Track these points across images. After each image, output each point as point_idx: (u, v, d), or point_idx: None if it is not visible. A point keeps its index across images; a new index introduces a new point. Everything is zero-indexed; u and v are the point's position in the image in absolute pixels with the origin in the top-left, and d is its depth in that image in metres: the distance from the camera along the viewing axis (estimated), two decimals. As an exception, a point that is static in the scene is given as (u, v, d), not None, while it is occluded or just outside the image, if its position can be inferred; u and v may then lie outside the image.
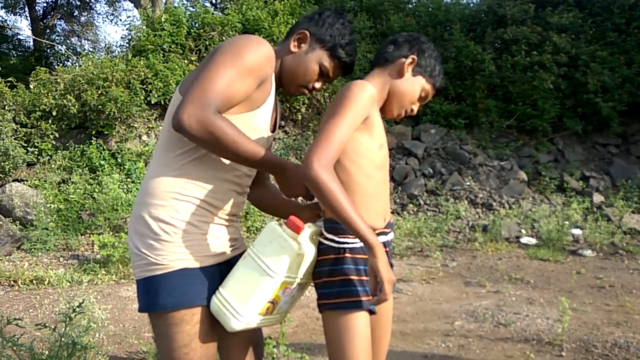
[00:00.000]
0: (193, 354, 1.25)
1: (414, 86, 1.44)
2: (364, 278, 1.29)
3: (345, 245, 1.28)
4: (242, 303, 1.21)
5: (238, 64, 1.19)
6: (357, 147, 1.30)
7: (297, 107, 8.25)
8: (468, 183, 7.42)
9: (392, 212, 6.94)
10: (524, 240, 6.15)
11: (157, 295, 1.23)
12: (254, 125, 1.30)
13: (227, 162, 1.28)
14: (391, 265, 1.44)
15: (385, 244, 1.38)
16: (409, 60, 1.41)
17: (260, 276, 1.21)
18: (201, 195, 1.26)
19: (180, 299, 1.22)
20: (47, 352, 2.27)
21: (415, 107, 1.50)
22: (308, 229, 1.27)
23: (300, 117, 8.40)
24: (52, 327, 2.14)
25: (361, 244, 1.29)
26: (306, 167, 1.17)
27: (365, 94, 1.25)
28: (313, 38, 1.39)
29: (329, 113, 1.25)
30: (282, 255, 1.20)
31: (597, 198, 7.39)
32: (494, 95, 8.82)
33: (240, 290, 1.22)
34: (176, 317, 1.23)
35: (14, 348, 2.02)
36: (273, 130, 1.44)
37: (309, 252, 1.25)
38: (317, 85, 1.44)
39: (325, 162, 1.17)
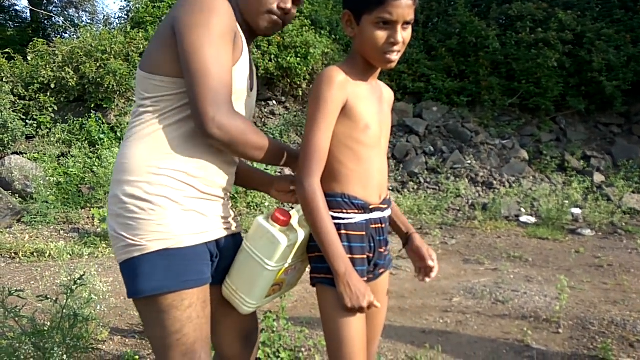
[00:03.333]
0: (186, 339, 1.18)
1: None
2: (358, 256, 1.28)
3: (340, 222, 1.27)
4: (247, 293, 1.28)
5: (213, 36, 1.12)
6: (341, 133, 1.27)
7: (298, 82, 8.17)
8: (469, 161, 7.40)
9: (392, 190, 6.93)
10: (523, 219, 6.17)
11: (136, 279, 1.15)
12: (234, 87, 1.20)
13: None
14: (386, 243, 1.43)
15: (381, 220, 1.37)
16: None
17: (258, 269, 1.25)
18: (181, 168, 1.17)
19: (162, 283, 1.14)
20: (49, 324, 2.29)
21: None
22: (297, 215, 1.29)
23: (301, 93, 8.32)
24: (54, 298, 2.15)
25: (357, 220, 1.29)
26: (299, 184, 1.23)
27: (334, 88, 1.22)
28: None
29: (308, 115, 1.26)
30: (272, 249, 1.23)
31: (598, 178, 7.38)
32: (498, 72, 8.73)
33: (243, 281, 1.28)
34: (164, 303, 1.15)
35: (16, 319, 2.03)
36: (251, 90, 1.36)
37: (300, 237, 1.28)
38: (286, 5, 1.27)
39: (315, 177, 1.22)
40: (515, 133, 8.35)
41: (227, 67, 1.15)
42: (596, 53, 8.26)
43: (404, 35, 1.23)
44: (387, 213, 1.41)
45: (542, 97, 8.36)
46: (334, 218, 1.25)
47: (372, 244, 1.34)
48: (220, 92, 1.11)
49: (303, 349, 2.53)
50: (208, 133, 1.11)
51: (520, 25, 8.75)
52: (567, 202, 6.26)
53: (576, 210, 6.27)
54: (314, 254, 1.31)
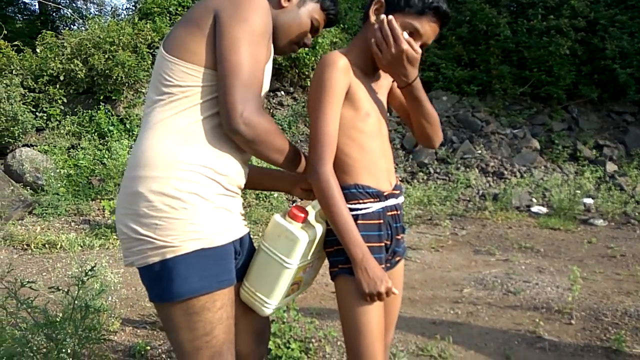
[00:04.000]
0: (215, 341, 1.14)
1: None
2: (375, 244, 1.27)
3: (357, 212, 1.26)
4: (267, 294, 1.26)
5: (253, 33, 1.11)
6: (344, 122, 1.26)
7: (306, 72, 8.13)
8: (479, 151, 7.33)
9: (402, 181, 6.89)
10: (534, 209, 6.11)
11: (171, 282, 1.09)
12: (264, 84, 1.23)
13: None
14: (403, 229, 1.42)
15: (396, 207, 1.37)
16: None
17: (277, 268, 1.23)
18: (208, 163, 1.13)
19: (199, 284, 1.10)
20: (61, 315, 2.30)
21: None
22: (312, 211, 1.28)
23: (309, 83, 8.26)
24: (65, 290, 2.16)
25: (373, 209, 1.27)
26: (311, 172, 1.22)
27: (338, 73, 1.20)
28: None
29: (312, 102, 1.24)
30: (292, 246, 1.21)
31: (611, 167, 7.28)
32: (509, 61, 8.60)
33: (262, 282, 1.26)
34: (196, 305, 1.10)
35: (29, 310, 2.05)
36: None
37: (319, 233, 1.27)
38: (308, 41, 1.36)
39: (327, 164, 1.21)
40: (526, 122, 8.25)
41: (262, 65, 1.14)
42: (609, 40, 8.11)
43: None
44: (400, 199, 1.40)
45: (553, 85, 8.23)
46: (350, 210, 1.24)
47: (390, 232, 1.33)
48: (252, 88, 1.10)
49: (313, 340, 2.53)
50: (234, 128, 1.08)
51: (532, 12, 8.60)
52: (579, 192, 6.19)
53: (588, 200, 6.20)
54: (332, 248, 1.30)
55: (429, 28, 1.23)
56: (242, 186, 1.29)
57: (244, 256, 1.30)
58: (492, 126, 7.92)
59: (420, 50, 1.23)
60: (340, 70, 1.21)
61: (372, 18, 1.27)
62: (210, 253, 1.12)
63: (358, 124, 1.27)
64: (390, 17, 1.20)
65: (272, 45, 1.27)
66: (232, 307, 1.19)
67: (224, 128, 1.11)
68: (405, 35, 1.21)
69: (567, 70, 8.18)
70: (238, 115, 1.07)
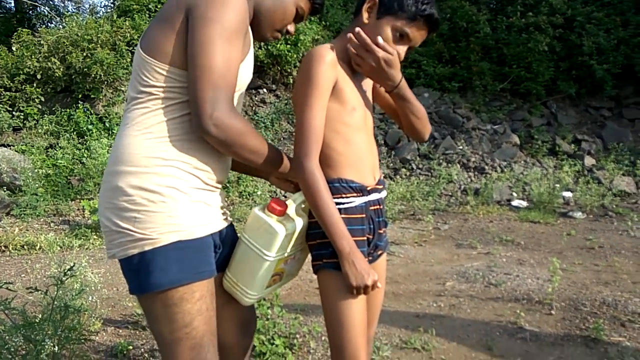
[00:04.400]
0: (195, 333, 1.15)
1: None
2: (358, 238, 1.27)
3: (340, 206, 1.26)
4: (248, 284, 1.28)
5: (226, 32, 1.09)
6: (330, 116, 1.26)
7: (289, 70, 8.11)
8: (461, 147, 7.41)
9: (385, 177, 6.93)
10: (515, 203, 6.20)
11: (149, 274, 1.10)
12: (239, 82, 1.21)
13: None
14: (385, 224, 1.42)
15: (379, 201, 1.37)
16: None
17: (256, 260, 1.24)
18: (186, 159, 1.14)
19: (177, 276, 1.11)
20: (40, 316, 2.26)
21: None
22: (293, 204, 1.28)
23: (291, 81, 8.25)
24: (44, 290, 2.12)
25: (356, 204, 1.27)
26: (297, 166, 1.22)
27: (325, 66, 1.20)
28: None
29: (298, 96, 1.24)
30: (270, 239, 1.22)
31: (589, 161, 7.43)
32: (489, 57, 8.71)
33: (243, 273, 1.28)
34: (175, 297, 1.11)
35: (6, 312, 2.01)
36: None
37: (298, 226, 1.27)
38: (291, 28, 1.35)
39: (313, 158, 1.20)
40: (506, 118, 8.37)
41: (234, 65, 1.12)
42: (586, 37, 8.27)
43: (402, 54, 1.28)
44: (383, 194, 1.41)
45: (532, 81, 8.36)
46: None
47: (372, 226, 1.33)
48: (223, 90, 1.08)
49: (297, 336, 2.53)
50: (204, 129, 1.07)
51: (511, 9, 8.73)
52: (558, 185, 6.30)
53: (567, 194, 6.31)
54: (314, 241, 1.30)
55: (417, 34, 1.26)
56: (224, 180, 1.30)
57: (225, 249, 1.30)
58: (473, 122, 8.01)
59: (394, 52, 1.24)
60: (328, 64, 1.21)
61: (365, 15, 1.27)
62: (188, 245, 1.13)
63: (344, 118, 1.27)
64: (358, 29, 1.23)
65: (250, 37, 1.25)
66: (212, 299, 1.19)
67: (195, 129, 1.11)
68: (380, 39, 1.22)
69: (545, 66, 8.32)
70: (207, 117, 1.06)
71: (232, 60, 1.11)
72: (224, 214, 1.28)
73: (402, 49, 1.27)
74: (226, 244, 1.30)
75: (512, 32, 8.51)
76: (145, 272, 1.11)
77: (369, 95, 1.43)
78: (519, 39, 8.36)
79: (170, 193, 1.11)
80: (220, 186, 1.28)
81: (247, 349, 1.46)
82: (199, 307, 1.15)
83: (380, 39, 1.23)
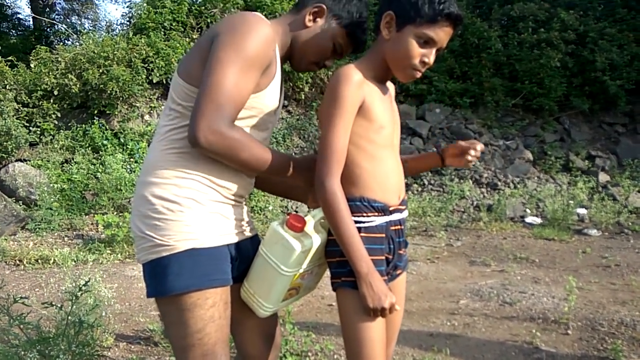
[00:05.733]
0: (208, 339, 1.19)
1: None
2: (377, 257, 1.26)
3: (360, 225, 1.25)
4: (264, 297, 1.30)
5: (241, 59, 1.13)
6: (356, 133, 1.26)
7: (301, 86, 8.16)
8: (473, 163, 7.36)
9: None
10: (529, 219, 6.13)
11: (164, 278, 1.17)
12: (259, 108, 1.26)
13: None
14: (406, 244, 1.42)
15: (400, 222, 1.37)
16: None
17: (273, 274, 1.26)
18: (206, 173, 1.21)
19: (190, 281, 1.17)
20: (54, 331, 2.28)
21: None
22: (312, 220, 1.29)
23: (303, 97, 8.31)
24: (59, 305, 2.14)
25: (377, 223, 1.27)
26: (319, 185, 1.22)
27: (351, 88, 1.21)
28: (330, 13, 1.33)
29: (323, 115, 1.25)
30: (287, 254, 1.23)
31: (603, 177, 7.34)
32: (500, 73, 8.70)
33: (260, 285, 1.30)
34: (188, 302, 1.17)
35: (21, 326, 2.02)
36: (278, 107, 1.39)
37: (316, 243, 1.27)
38: (328, 62, 1.38)
39: (335, 178, 1.22)
40: (518, 134, 8.32)
41: (242, 89, 1.16)
42: (599, 52, 8.23)
43: (431, 58, 1.25)
44: (405, 214, 1.40)
45: (545, 97, 8.32)
46: (354, 222, 1.24)
47: (392, 246, 1.33)
48: (225, 108, 1.12)
49: (310, 354, 2.51)
50: (195, 140, 1.12)
51: (522, 25, 8.72)
52: (572, 202, 6.22)
53: (582, 211, 6.23)
54: (334, 259, 1.30)
55: (442, 34, 1.23)
56: (245, 195, 1.35)
57: (245, 261, 1.32)
58: (485, 138, 7.97)
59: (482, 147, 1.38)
60: (354, 85, 1.21)
61: (384, 32, 1.27)
62: (202, 253, 1.19)
63: (371, 135, 1.27)
64: (481, 146, 1.42)
65: (277, 68, 1.27)
66: (225, 308, 1.23)
67: (188, 141, 1.15)
68: (478, 147, 1.41)
69: (558, 82, 8.28)
70: (199, 128, 1.10)
71: (241, 86, 1.15)
72: (242, 227, 1.32)
73: (431, 53, 1.25)
74: (246, 256, 1.32)
75: (523, 48, 8.50)
76: (162, 276, 1.18)
77: (396, 109, 1.43)
78: (530, 55, 8.35)
79: (188, 204, 1.18)
80: (241, 201, 1.33)
81: None
82: (211, 314, 1.19)
83: (479, 146, 1.39)
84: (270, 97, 1.28)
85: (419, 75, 1.26)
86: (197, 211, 1.19)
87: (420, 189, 7.02)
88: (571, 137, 8.43)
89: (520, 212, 6.35)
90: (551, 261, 4.53)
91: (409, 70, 1.25)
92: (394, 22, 1.24)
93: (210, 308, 1.19)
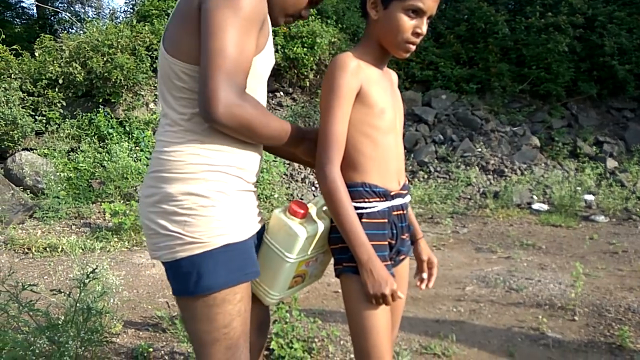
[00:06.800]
0: (233, 333, 1.17)
1: None
2: (378, 242, 1.26)
3: (362, 210, 1.25)
4: (270, 285, 1.30)
5: (239, 17, 1.05)
6: (356, 119, 1.26)
7: (305, 73, 8.11)
8: (479, 149, 7.33)
9: (402, 179, 6.88)
10: (535, 206, 6.10)
11: (199, 276, 1.11)
12: (259, 72, 1.18)
13: None
14: (408, 229, 1.41)
15: (402, 207, 1.36)
16: None
17: (277, 261, 1.26)
18: (230, 161, 1.15)
19: (226, 278, 1.13)
20: (62, 317, 2.30)
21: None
22: (314, 207, 1.28)
23: (308, 84, 8.26)
24: (67, 292, 2.16)
25: (379, 208, 1.27)
26: (319, 173, 1.23)
27: (348, 76, 1.20)
28: None
29: (322, 103, 1.24)
30: (291, 241, 1.23)
31: (611, 163, 7.28)
32: (507, 58, 8.61)
33: (265, 273, 1.28)
34: (218, 298, 1.13)
35: (30, 313, 2.04)
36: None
37: (320, 229, 1.27)
38: (304, 13, 1.30)
39: (335, 165, 1.22)
40: (526, 120, 8.25)
41: (248, 52, 1.08)
42: (608, 37, 8.11)
43: (423, 28, 1.22)
44: (407, 199, 1.40)
45: (552, 82, 8.23)
46: (355, 208, 1.24)
47: (395, 231, 1.32)
48: (235, 76, 1.04)
49: (316, 340, 2.52)
50: (212, 116, 1.03)
51: (530, 9, 8.61)
52: (579, 188, 6.19)
53: (589, 197, 6.20)
54: (337, 245, 1.30)
55: (429, 1, 1.20)
56: (258, 180, 1.33)
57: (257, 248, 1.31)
58: (492, 124, 7.92)
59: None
60: (351, 72, 1.21)
61: (372, 13, 1.26)
62: (235, 247, 1.15)
63: (372, 121, 1.26)
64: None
65: (269, 25, 1.20)
66: (248, 300, 1.21)
67: (202, 117, 1.07)
68: None
69: (565, 67, 8.18)
70: (218, 102, 1.02)
71: (245, 48, 1.07)
72: (259, 214, 1.30)
73: (422, 23, 1.22)
74: (259, 244, 1.31)
75: (531, 33, 8.39)
76: (196, 275, 1.12)
77: (399, 94, 1.42)
78: (538, 40, 8.24)
79: (218, 197, 1.13)
80: (256, 186, 1.30)
81: (262, 348, 1.51)
82: (239, 309, 1.17)
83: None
84: (268, 58, 1.22)
85: (413, 47, 1.24)
86: (227, 205, 1.14)
87: (426, 176, 7.00)
88: (579, 122, 8.35)
89: (527, 198, 6.32)
90: (558, 248, 4.51)
91: (403, 45, 1.23)
92: (379, 1, 1.23)
93: (239, 302, 1.16)
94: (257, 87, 1.21)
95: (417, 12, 1.20)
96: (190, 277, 1.12)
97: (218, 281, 1.12)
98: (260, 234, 1.30)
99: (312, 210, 1.29)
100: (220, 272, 1.12)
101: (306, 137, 1.29)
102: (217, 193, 1.13)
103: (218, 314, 1.14)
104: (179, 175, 1.12)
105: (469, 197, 6.48)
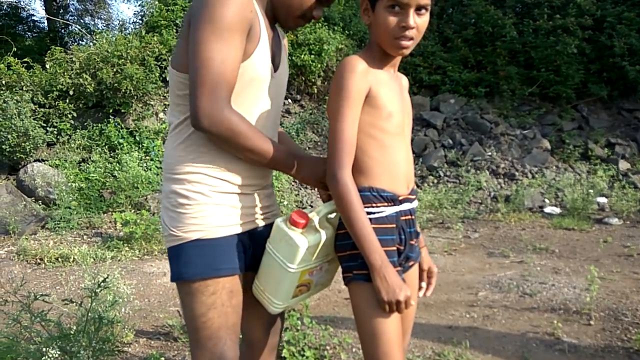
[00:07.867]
0: (211, 323, 1.25)
1: None
2: (390, 248, 1.25)
3: (370, 216, 1.24)
4: (273, 294, 1.31)
5: (218, 29, 1.11)
6: (365, 122, 1.24)
7: (313, 79, 8.14)
8: (489, 153, 7.28)
9: (412, 184, 6.85)
10: (547, 209, 6.04)
11: (177, 265, 1.26)
12: (251, 75, 1.23)
13: None
14: (417, 234, 1.40)
15: (410, 212, 1.35)
16: None
17: (280, 271, 1.26)
18: (214, 165, 1.24)
19: (196, 270, 1.23)
20: (74, 327, 2.30)
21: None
22: (316, 216, 1.27)
23: (316, 91, 8.28)
24: (79, 302, 2.16)
25: (387, 213, 1.25)
26: (330, 178, 1.22)
27: (356, 78, 1.19)
28: None
29: (331, 107, 1.24)
30: (292, 252, 1.23)
31: (623, 165, 7.19)
32: (516, 61, 8.56)
33: (269, 282, 1.31)
34: (192, 287, 1.24)
35: (42, 323, 2.05)
36: (276, 71, 1.33)
37: (322, 239, 1.26)
38: (317, 12, 1.31)
39: (346, 169, 1.21)
40: (536, 122, 8.18)
41: (231, 62, 1.15)
42: (617, 37, 8.04)
43: (418, 21, 1.20)
44: (415, 204, 1.38)
45: (562, 84, 8.17)
46: None
47: (403, 236, 1.30)
48: (218, 87, 1.13)
49: (328, 347, 2.50)
50: (199, 126, 1.15)
51: (538, 12, 8.56)
52: (592, 191, 6.11)
53: (602, 199, 6.12)
54: (344, 252, 1.28)
55: None
56: (260, 183, 1.35)
57: (258, 250, 1.32)
58: (502, 127, 7.86)
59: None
60: (359, 75, 1.20)
61: (365, 19, 1.28)
62: (206, 244, 1.24)
63: (380, 123, 1.26)
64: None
65: (260, 30, 1.23)
66: (229, 296, 1.26)
67: (192, 126, 1.18)
68: None
69: (575, 69, 8.12)
70: (202, 114, 1.13)
71: (227, 58, 1.14)
72: (254, 215, 1.32)
73: (407, 16, 1.18)
74: (259, 244, 1.32)
75: (539, 35, 8.34)
76: (175, 263, 1.27)
77: (408, 99, 1.41)
78: (546, 42, 8.19)
79: (196, 197, 1.24)
80: (253, 189, 1.33)
81: (274, 347, 1.52)
82: (212, 301, 1.24)
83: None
84: (260, 64, 1.24)
85: (406, 42, 1.20)
86: (204, 204, 1.24)
87: (436, 180, 6.96)
88: (589, 124, 8.26)
89: (539, 202, 6.26)
90: (571, 251, 4.45)
91: (394, 42, 1.21)
92: (369, 6, 1.25)
93: (212, 295, 1.24)
94: (250, 91, 1.25)
95: (399, 6, 1.18)
96: (172, 265, 1.28)
97: (188, 272, 1.24)
98: (259, 236, 1.32)
99: (315, 219, 1.27)
100: (190, 264, 1.24)
101: (301, 164, 1.28)
102: (195, 193, 1.24)
103: (193, 303, 1.25)
104: (169, 175, 1.28)
105: (479, 201, 6.43)
